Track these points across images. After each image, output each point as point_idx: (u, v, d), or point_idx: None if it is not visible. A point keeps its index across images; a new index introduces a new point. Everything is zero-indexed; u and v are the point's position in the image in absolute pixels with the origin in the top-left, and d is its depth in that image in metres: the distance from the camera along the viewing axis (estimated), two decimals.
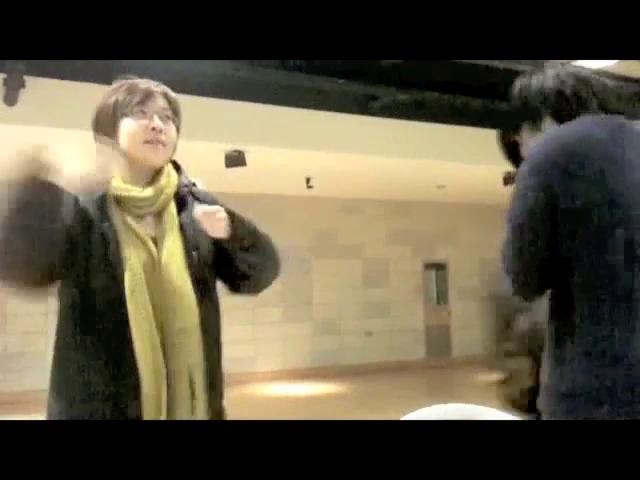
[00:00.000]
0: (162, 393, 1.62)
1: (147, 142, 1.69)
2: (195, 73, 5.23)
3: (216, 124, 6.07)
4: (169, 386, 1.65)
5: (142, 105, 1.70)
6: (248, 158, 6.53)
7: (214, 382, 1.73)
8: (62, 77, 5.19)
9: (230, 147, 6.48)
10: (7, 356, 7.80)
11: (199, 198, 1.81)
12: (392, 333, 10.04)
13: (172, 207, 1.75)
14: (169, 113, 1.74)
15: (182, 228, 1.75)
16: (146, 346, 1.61)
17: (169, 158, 1.77)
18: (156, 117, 1.70)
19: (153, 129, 1.69)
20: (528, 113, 1.63)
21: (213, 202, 1.80)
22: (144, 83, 1.74)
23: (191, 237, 1.74)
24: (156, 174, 1.75)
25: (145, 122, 1.69)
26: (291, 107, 6.38)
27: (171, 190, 1.75)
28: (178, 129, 1.79)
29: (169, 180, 1.75)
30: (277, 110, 6.32)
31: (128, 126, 1.70)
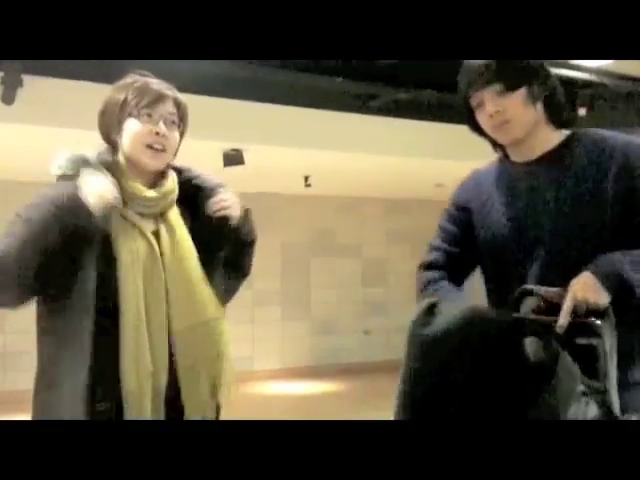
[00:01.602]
0: (146, 390, 1.61)
1: (148, 146, 1.70)
2: (193, 72, 5.22)
3: (214, 123, 6.05)
4: (180, 383, 1.65)
5: (150, 108, 1.70)
6: (246, 157, 6.52)
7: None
8: (60, 76, 5.18)
9: (228, 146, 6.47)
10: (6, 355, 7.80)
11: (207, 194, 1.83)
12: (390, 332, 10.02)
13: (175, 208, 1.76)
14: (175, 119, 1.75)
15: (189, 227, 1.76)
16: (131, 341, 1.61)
17: (168, 163, 1.78)
18: (161, 122, 1.71)
19: (157, 134, 1.69)
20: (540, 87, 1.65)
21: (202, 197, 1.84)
22: (157, 84, 1.74)
23: (198, 234, 1.75)
24: (159, 176, 1.76)
25: (150, 126, 1.70)
26: (289, 106, 6.37)
27: (175, 195, 1.76)
28: (182, 135, 1.80)
29: (174, 187, 1.77)
30: (275, 109, 6.30)
31: (132, 127, 1.70)
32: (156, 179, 1.76)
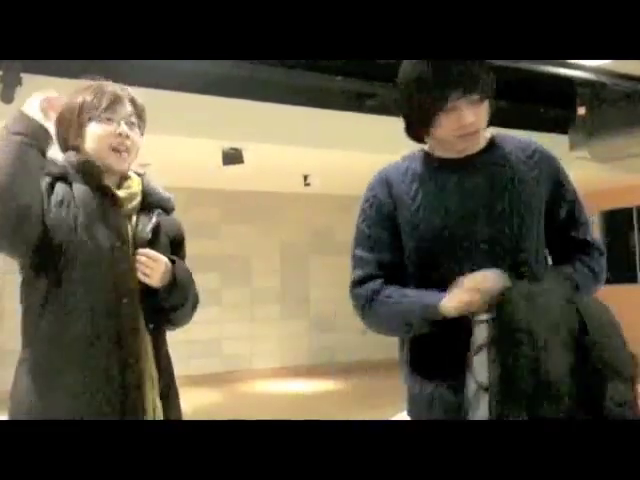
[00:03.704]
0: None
1: (113, 149, 1.71)
2: (194, 71, 5.22)
3: (213, 122, 6.05)
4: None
5: (109, 111, 1.71)
6: (246, 156, 6.52)
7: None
8: (59, 75, 5.17)
9: (228, 145, 6.47)
10: (2, 354, 7.80)
11: (165, 210, 1.83)
12: None
13: (134, 215, 1.76)
14: (134, 119, 1.76)
15: (135, 231, 1.74)
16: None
17: (132, 163, 1.79)
18: (122, 123, 1.72)
19: (119, 135, 1.70)
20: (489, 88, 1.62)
21: (161, 200, 1.83)
22: (111, 86, 1.75)
23: (138, 243, 1.73)
24: (123, 178, 1.77)
25: (111, 128, 1.71)
26: (288, 105, 6.37)
27: (139, 199, 1.77)
28: (142, 134, 1.80)
29: (139, 190, 1.77)
30: (274, 108, 6.31)
31: (95, 131, 1.72)
32: (120, 181, 1.77)
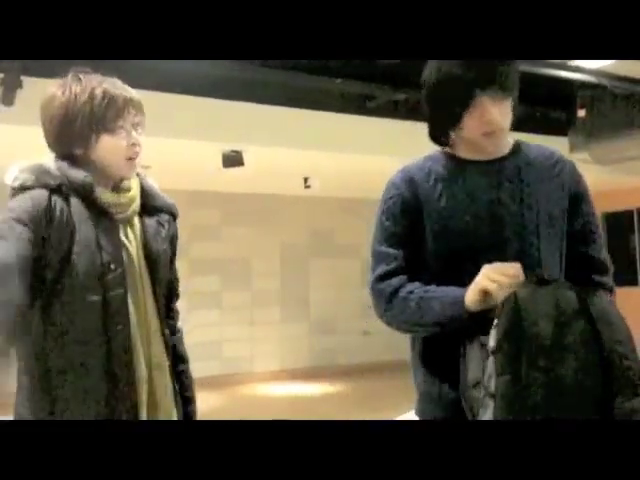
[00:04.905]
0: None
1: (129, 159, 1.67)
2: (194, 73, 5.23)
3: (214, 124, 6.06)
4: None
5: (120, 118, 1.66)
6: (246, 158, 6.52)
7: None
8: (60, 77, 5.19)
9: (228, 147, 6.47)
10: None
11: (173, 216, 1.83)
12: (390, 333, 10.00)
13: (136, 217, 1.74)
14: (137, 119, 1.70)
15: (144, 235, 1.73)
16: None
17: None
18: (133, 131, 1.68)
19: (133, 145, 1.67)
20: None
21: (166, 205, 1.81)
22: (112, 87, 1.68)
23: (152, 246, 1.73)
24: (121, 179, 1.74)
25: (125, 140, 1.66)
26: (288, 107, 6.38)
27: (138, 201, 1.74)
28: (142, 131, 1.75)
29: (138, 192, 1.75)
30: (275, 110, 6.31)
31: (109, 145, 1.66)
32: (117, 182, 1.72)
